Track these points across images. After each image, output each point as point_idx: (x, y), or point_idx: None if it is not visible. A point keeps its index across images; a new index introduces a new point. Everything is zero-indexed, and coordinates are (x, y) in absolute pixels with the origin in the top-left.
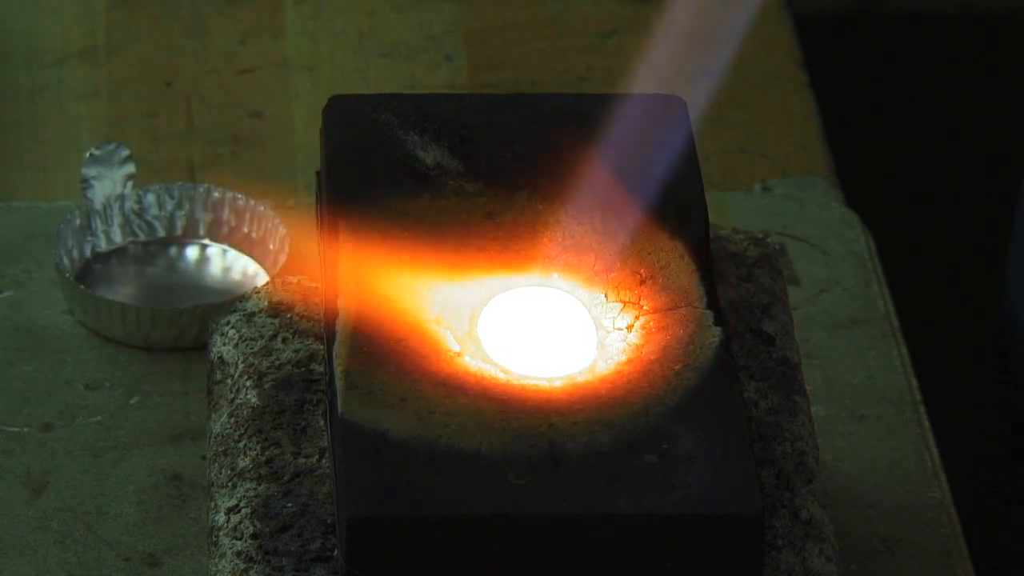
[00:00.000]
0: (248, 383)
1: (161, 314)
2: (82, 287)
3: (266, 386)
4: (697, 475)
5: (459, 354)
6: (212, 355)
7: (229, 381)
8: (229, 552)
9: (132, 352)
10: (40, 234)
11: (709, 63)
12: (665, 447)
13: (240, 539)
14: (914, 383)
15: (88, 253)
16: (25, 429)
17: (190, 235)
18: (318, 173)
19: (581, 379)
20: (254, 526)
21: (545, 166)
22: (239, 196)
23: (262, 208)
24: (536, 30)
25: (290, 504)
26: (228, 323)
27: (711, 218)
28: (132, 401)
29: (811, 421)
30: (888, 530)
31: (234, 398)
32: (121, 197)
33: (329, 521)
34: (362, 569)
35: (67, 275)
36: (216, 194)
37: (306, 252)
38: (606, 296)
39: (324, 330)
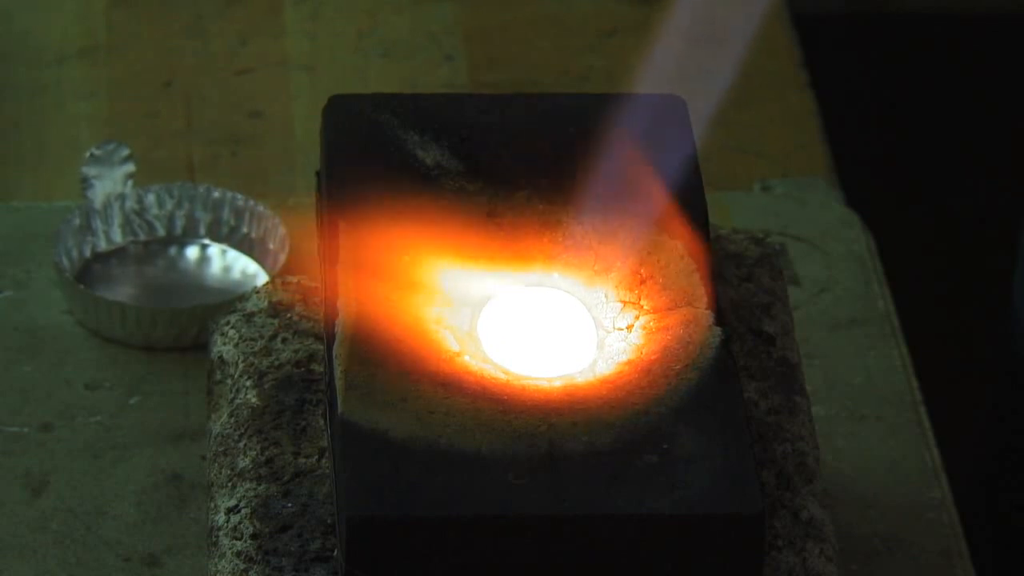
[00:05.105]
0: (248, 383)
1: (161, 314)
2: (82, 287)
3: (266, 386)
4: (697, 475)
5: (459, 354)
6: (212, 355)
7: (229, 381)
8: (229, 552)
9: (132, 352)
10: (40, 234)
11: (710, 63)
12: (665, 447)
13: (240, 539)
14: (914, 383)
15: (88, 253)
16: (25, 429)
17: (190, 235)
18: (318, 173)
19: (581, 379)
20: (254, 526)
21: (545, 166)
22: (239, 196)
23: (262, 208)
24: (536, 30)
25: (290, 504)
26: (228, 323)
27: (711, 218)
28: (132, 401)
29: (811, 421)
30: (888, 530)
31: (234, 398)
32: (121, 197)
33: (329, 521)
34: (362, 569)
35: (67, 275)
36: (216, 194)
37: (306, 252)
38: (606, 296)
39: (324, 330)
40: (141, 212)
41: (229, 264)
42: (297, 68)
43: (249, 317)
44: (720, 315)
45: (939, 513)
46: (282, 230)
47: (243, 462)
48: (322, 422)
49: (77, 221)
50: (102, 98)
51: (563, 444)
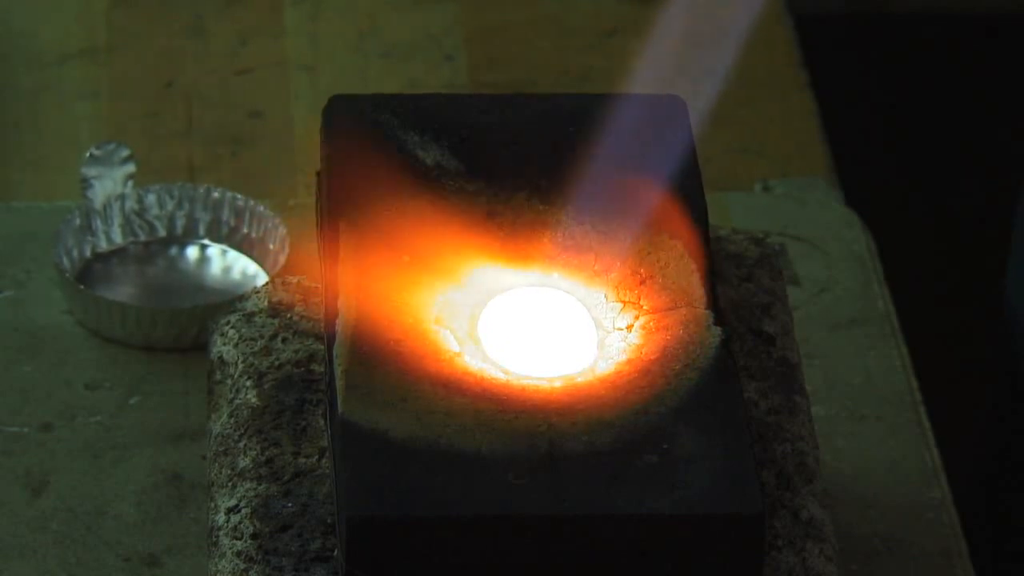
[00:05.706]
0: (248, 383)
1: (161, 314)
2: (82, 287)
3: (266, 386)
4: (697, 475)
5: (459, 354)
6: (212, 355)
7: (229, 381)
8: (229, 552)
9: (132, 352)
10: (40, 234)
11: (709, 63)
12: (665, 447)
13: (240, 539)
14: (914, 383)
15: (88, 253)
16: (25, 429)
17: (190, 235)
18: (318, 173)
19: (581, 379)
20: (254, 526)
21: (545, 166)
22: (239, 196)
23: (262, 208)
24: (536, 30)
25: (290, 504)
26: (228, 323)
27: (711, 218)
28: (132, 401)
29: (811, 421)
30: (888, 530)
31: (234, 398)
32: (121, 197)
33: (329, 521)
34: (362, 569)
35: (67, 275)
36: (216, 194)
37: (306, 252)
38: (606, 296)
39: (324, 330)
40: (141, 212)
41: (229, 264)
42: (297, 68)
43: (249, 317)
44: (720, 315)
45: (939, 513)
46: (282, 230)
47: (243, 462)
48: (322, 422)
49: (77, 221)
50: (102, 98)
51: (563, 444)
